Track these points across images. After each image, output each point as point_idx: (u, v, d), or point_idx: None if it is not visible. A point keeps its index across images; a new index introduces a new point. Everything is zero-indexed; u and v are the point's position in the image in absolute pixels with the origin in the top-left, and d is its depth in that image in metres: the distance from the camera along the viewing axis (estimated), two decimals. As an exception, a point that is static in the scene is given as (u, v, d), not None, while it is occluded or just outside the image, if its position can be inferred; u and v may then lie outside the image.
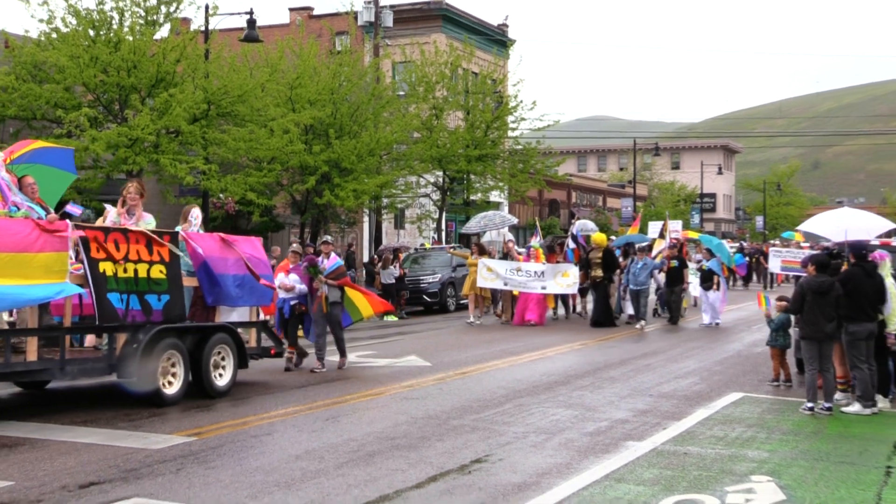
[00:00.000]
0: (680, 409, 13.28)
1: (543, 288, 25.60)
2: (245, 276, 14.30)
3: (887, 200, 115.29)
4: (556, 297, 27.21)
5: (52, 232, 11.56)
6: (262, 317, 16.09)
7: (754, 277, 49.94)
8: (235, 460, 9.85)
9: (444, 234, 43.19)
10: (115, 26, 26.43)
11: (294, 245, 18.14)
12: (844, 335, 13.21)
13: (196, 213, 14.90)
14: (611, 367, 17.60)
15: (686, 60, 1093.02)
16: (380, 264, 30.18)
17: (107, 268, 12.10)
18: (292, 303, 16.97)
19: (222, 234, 14.95)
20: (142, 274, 12.55)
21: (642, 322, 24.72)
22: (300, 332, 17.48)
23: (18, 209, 12.04)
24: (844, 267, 13.82)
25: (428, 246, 38.35)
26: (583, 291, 27.22)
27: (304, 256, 17.32)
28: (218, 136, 27.42)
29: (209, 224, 29.72)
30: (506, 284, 25.89)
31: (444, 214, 42.25)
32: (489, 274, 25.73)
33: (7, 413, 12.38)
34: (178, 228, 14.35)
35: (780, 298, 16.15)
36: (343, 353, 17.00)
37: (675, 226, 35.75)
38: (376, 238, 39.31)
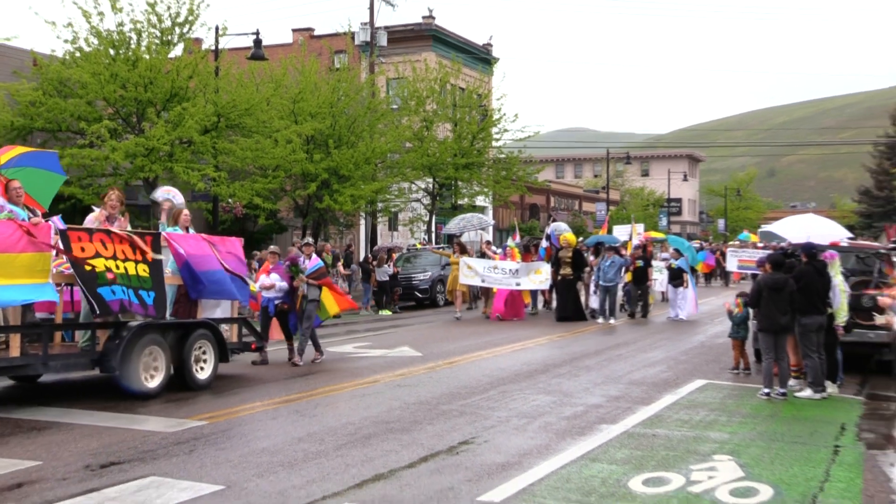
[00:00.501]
0: (649, 394, 13.34)
1: (518, 284, 25.53)
2: (224, 272, 13.88)
3: (836, 205, 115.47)
4: (530, 292, 27.13)
5: (35, 233, 11.19)
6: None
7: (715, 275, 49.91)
8: (243, 442, 9.88)
9: (433, 235, 43.17)
10: (133, 46, 26.39)
11: (272, 247, 17.69)
12: (797, 327, 13.31)
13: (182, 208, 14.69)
14: (586, 357, 17.64)
15: (655, 77, 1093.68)
16: (375, 263, 30.22)
17: (96, 264, 11.77)
18: (276, 301, 16.42)
19: (203, 235, 14.62)
20: (132, 272, 12.28)
21: (612, 317, 24.66)
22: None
23: (1, 211, 11.60)
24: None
25: (419, 246, 38.38)
26: (551, 288, 27.10)
27: (285, 257, 16.90)
28: (227, 146, 27.40)
29: (218, 227, 29.80)
30: (483, 281, 25.84)
31: (433, 217, 42.24)
32: (469, 272, 25.68)
33: (35, 399, 12.38)
34: (163, 227, 14.07)
35: (740, 295, 16.23)
36: (318, 349, 16.67)
37: (638, 228, 35.97)
38: (372, 239, 39.31)
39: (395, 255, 31.53)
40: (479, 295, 27.49)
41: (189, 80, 27.14)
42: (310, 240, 17.24)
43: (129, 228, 13.17)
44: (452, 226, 34.25)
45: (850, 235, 21.77)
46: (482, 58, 55.89)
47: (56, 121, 26.04)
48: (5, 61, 27.14)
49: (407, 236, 45.97)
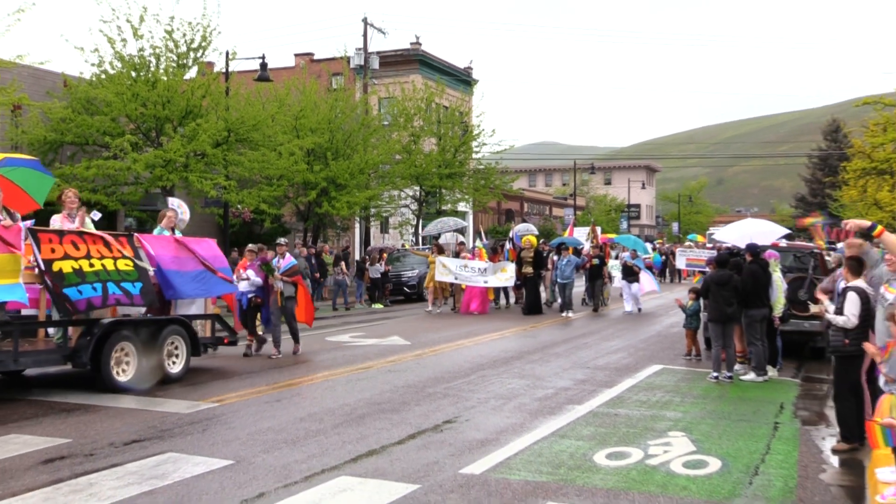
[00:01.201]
0: (612, 378, 13.36)
1: (486, 282, 25.31)
2: (201, 271, 13.33)
3: (775, 210, 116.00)
4: (497, 289, 26.90)
5: (5, 235, 10.49)
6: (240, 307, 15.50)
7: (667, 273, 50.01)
8: (251, 422, 9.84)
9: (420, 237, 43.16)
10: (152, 69, 26.34)
11: (250, 245, 16.79)
12: (744, 318, 13.38)
13: (174, 210, 14.30)
14: (555, 346, 17.66)
15: (616, 96, 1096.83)
16: (368, 262, 30.22)
17: (63, 266, 11.03)
18: (250, 295, 15.76)
19: (177, 237, 13.85)
20: (110, 267, 11.64)
21: (569, 311, 24.46)
22: (258, 322, 16.35)
23: None
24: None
25: (407, 247, 38.35)
26: (518, 285, 26.86)
27: (258, 256, 15.99)
28: (236, 157, 27.40)
29: (229, 230, 29.72)
30: (456, 279, 25.58)
31: (420, 221, 42.19)
32: (444, 270, 25.45)
33: (64, 384, 12.29)
34: (157, 231, 13.73)
35: (691, 290, 16.29)
36: (297, 341, 16.00)
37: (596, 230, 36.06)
38: (365, 240, 39.31)
39: (385, 255, 31.51)
40: (453, 292, 27.29)
41: (202, 99, 27.13)
42: (284, 240, 16.35)
43: (87, 219, 12.56)
44: (431, 227, 34.13)
45: (788, 232, 21.91)
46: (463, 79, 55.85)
47: (84, 135, 26.12)
48: (39, 83, 27.05)
49: (397, 238, 45.92)
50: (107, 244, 11.91)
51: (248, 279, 15.67)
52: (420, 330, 20.61)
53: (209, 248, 14.13)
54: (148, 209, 28.79)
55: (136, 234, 13.00)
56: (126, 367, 11.75)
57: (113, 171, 25.12)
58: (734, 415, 10.64)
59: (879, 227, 6.72)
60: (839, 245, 13.94)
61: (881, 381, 7.19)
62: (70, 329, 11.67)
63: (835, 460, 8.57)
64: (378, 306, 28.88)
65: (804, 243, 17.22)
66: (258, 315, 16.13)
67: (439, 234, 33.18)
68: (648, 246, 40.65)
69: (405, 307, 28.85)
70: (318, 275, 27.40)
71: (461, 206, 46.98)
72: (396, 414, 10.35)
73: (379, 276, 29.71)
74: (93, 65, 26.23)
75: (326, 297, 29.29)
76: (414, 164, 39.10)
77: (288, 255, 16.04)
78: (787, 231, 21.64)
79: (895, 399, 6.76)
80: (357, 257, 36.43)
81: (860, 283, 8.73)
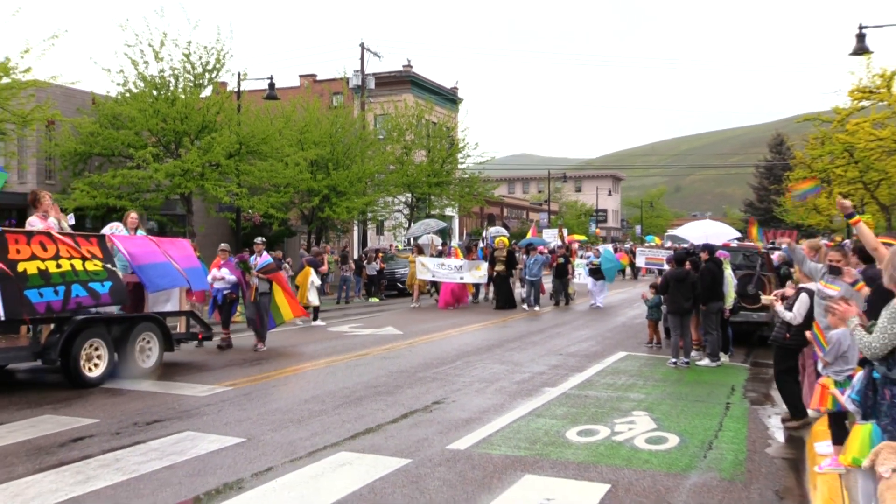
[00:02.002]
0: (581, 364, 13.39)
1: (461, 278, 25.02)
2: (167, 264, 12.52)
3: (727, 214, 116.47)
4: (477, 284, 26.44)
5: None
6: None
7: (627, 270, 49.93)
8: (261, 403, 9.81)
9: (411, 239, 43.09)
10: (171, 88, 26.22)
11: (222, 244, 16.04)
12: (701, 310, 13.44)
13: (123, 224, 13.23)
14: (532, 335, 17.68)
15: (585, 113, 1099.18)
16: (366, 260, 30.22)
17: (28, 267, 10.17)
18: (225, 292, 15.11)
19: (150, 237, 13.36)
20: (79, 267, 10.79)
21: (536, 305, 24.34)
22: (237, 317, 15.77)
23: None
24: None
25: (400, 248, 38.27)
26: (489, 282, 26.22)
27: (236, 254, 15.50)
28: (247, 167, 27.28)
29: (241, 232, 29.64)
30: (434, 276, 25.37)
31: (412, 224, 42.18)
32: (423, 269, 25.25)
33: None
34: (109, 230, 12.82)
35: (652, 286, 16.35)
36: (262, 339, 14.93)
37: (552, 232, 36.14)
38: (363, 241, 39.20)
39: (381, 255, 31.47)
40: (431, 291, 27.06)
41: (217, 115, 27.02)
42: (260, 239, 15.56)
43: (64, 223, 11.77)
44: (415, 229, 33.57)
45: (739, 236, 22.06)
46: (450, 98, 55.73)
47: (110, 148, 26.07)
48: (71, 101, 27.00)
49: (391, 240, 45.83)
50: (76, 244, 11.07)
51: (223, 278, 15.06)
52: (411, 321, 20.60)
53: (181, 248, 13.46)
54: (168, 214, 28.72)
55: (107, 235, 12.26)
56: (98, 361, 11.05)
57: (136, 180, 25.02)
58: (691, 396, 10.67)
59: (857, 217, 6.74)
60: (782, 245, 13.99)
61: (819, 365, 7.23)
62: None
63: (779, 435, 8.61)
64: (374, 300, 28.85)
65: (752, 243, 17.36)
66: (231, 310, 15.50)
67: (421, 235, 32.97)
68: (610, 247, 40.69)
69: (398, 301, 28.81)
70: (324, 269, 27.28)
71: (448, 211, 46.98)
72: (391, 396, 10.34)
73: (375, 273, 29.78)
74: (118, 84, 26.12)
75: (328, 292, 29.23)
76: (406, 174, 39.00)
77: (265, 253, 15.34)
78: (738, 234, 21.83)
79: (830, 381, 6.81)
80: (355, 256, 36.36)
81: (813, 285, 8.70)
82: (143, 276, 12.12)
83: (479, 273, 25.06)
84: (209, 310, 15.67)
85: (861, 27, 20.03)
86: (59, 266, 10.57)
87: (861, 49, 19.91)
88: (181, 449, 7.61)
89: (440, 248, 27.80)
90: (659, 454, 7.63)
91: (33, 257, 10.34)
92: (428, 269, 25.26)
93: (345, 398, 10.16)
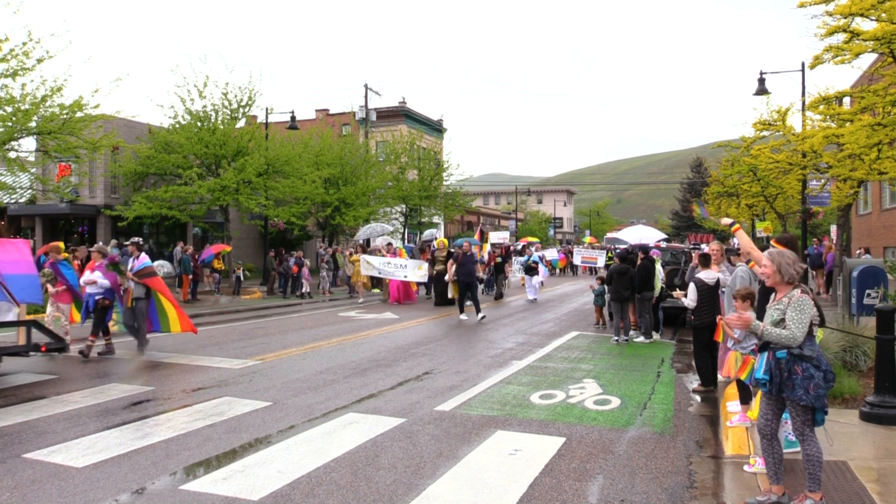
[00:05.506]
0: (543, 341, 13.39)
1: (405, 276, 22.61)
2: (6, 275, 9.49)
3: (658, 221, 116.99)
4: (425, 282, 23.79)
5: None
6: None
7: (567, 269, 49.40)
8: (284, 374, 9.74)
9: (406, 242, 43.00)
10: (212, 120, 26.13)
11: (98, 244, 13.16)
12: (637, 298, 13.48)
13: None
14: (502, 319, 17.67)
15: (545, 138, 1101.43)
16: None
17: None
18: (97, 297, 11.34)
19: None
20: None
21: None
22: (112, 324, 11.83)
23: None
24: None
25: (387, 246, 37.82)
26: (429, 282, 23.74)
27: (108, 256, 11.64)
28: (273, 184, 27.20)
29: (268, 236, 29.44)
30: (380, 273, 22.78)
31: (406, 230, 42.10)
32: (368, 266, 22.60)
33: (154, 345, 12.13)
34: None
35: (598, 278, 16.37)
36: (141, 345, 11.48)
37: (503, 234, 35.78)
38: (366, 243, 39.00)
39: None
40: (378, 286, 25.10)
41: (248, 142, 26.93)
42: (137, 240, 11.83)
43: None
44: (361, 233, 29.54)
45: (666, 237, 22.26)
46: (436, 128, 55.62)
47: (163, 168, 26.07)
48: (132, 131, 26.92)
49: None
50: None
51: (94, 282, 11.34)
52: (406, 309, 20.55)
53: (12, 251, 9.99)
54: (209, 221, 28.54)
55: None
56: None
57: (184, 194, 24.94)
58: (629, 366, 10.69)
59: (736, 225, 6.79)
60: (703, 246, 14.09)
61: (729, 342, 7.27)
62: None
63: (698, 398, 8.66)
64: (376, 291, 28.60)
65: (677, 244, 17.57)
66: (105, 317, 11.53)
67: (367, 239, 29.61)
68: (555, 251, 40.62)
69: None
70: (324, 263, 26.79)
71: (435, 219, 46.88)
72: (389, 368, 10.30)
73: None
74: (170, 117, 26.10)
75: (339, 284, 29.04)
76: (401, 189, 38.90)
77: (142, 255, 11.59)
78: (665, 236, 22.02)
79: (738, 354, 6.85)
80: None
81: (704, 274, 8.87)
82: None
83: (420, 272, 22.80)
84: (82, 315, 11.75)
85: (762, 73, 20.18)
86: None
87: (762, 90, 20.04)
88: (220, 411, 7.55)
89: (396, 250, 25.70)
90: (604, 413, 7.64)
91: None
92: (373, 266, 22.58)
93: (352, 370, 10.11)
